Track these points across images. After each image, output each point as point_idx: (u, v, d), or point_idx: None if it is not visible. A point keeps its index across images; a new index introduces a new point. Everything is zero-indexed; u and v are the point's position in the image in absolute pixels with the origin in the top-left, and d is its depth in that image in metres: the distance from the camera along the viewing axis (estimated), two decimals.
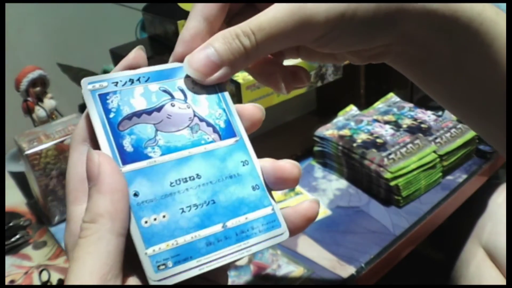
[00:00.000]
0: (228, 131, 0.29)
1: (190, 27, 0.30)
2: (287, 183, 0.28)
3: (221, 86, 0.30)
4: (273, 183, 0.28)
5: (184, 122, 0.28)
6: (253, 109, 0.30)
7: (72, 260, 0.23)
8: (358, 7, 0.28)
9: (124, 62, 0.29)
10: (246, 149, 0.29)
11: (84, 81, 0.27)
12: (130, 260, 0.24)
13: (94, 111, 0.26)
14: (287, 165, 0.28)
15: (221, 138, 0.28)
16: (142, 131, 0.27)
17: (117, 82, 0.28)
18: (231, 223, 0.26)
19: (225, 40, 0.28)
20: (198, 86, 0.29)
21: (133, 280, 0.24)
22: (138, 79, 0.28)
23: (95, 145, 0.26)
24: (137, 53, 0.29)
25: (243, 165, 0.28)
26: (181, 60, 0.29)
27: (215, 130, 0.28)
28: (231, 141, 0.28)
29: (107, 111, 0.27)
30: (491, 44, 0.31)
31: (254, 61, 0.30)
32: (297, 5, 0.27)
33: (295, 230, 0.28)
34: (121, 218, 0.23)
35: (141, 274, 0.24)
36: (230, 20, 0.33)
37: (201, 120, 0.28)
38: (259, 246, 0.26)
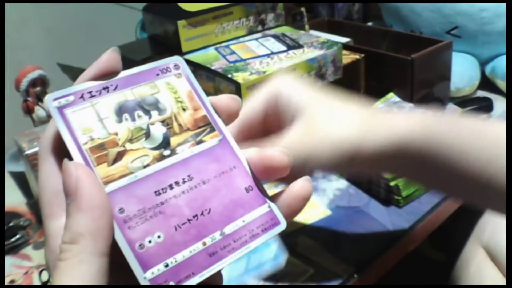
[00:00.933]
0: (209, 131, 0.27)
1: None
2: (277, 172, 0.27)
3: (193, 80, 0.29)
4: (263, 174, 0.27)
5: (162, 136, 0.26)
6: (228, 100, 0.28)
7: (54, 283, 0.21)
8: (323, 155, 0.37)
9: (96, 65, 0.27)
10: (230, 147, 0.27)
11: (48, 97, 0.25)
12: (118, 270, 0.23)
13: (64, 129, 0.25)
14: (276, 154, 0.26)
15: (202, 140, 0.27)
16: None
17: (82, 94, 0.26)
18: (228, 229, 0.25)
19: None
20: (171, 86, 0.28)
21: None
22: (106, 88, 0.26)
23: (63, 155, 0.25)
24: (111, 55, 0.27)
25: (231, 169, 0.27)
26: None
27: (196, 134, 0.27)
28: (214, 141, 0.27)
29: (77, 128, 0.25)
30: (440, 153, 0.35)
31: None
32: None
33: (292, 214, 0.27)
34: (104, 236, 0.22)
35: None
36: None
37: (181, 128, 0.27)
38: (257, 242, 0.26)
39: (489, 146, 0.33)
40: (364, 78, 0.79)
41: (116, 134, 0.26)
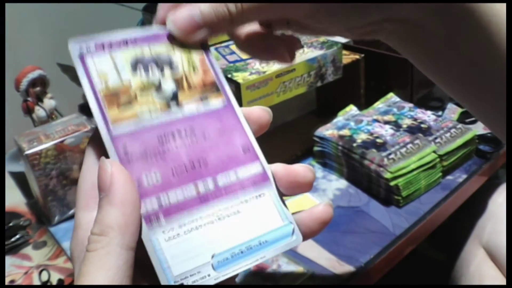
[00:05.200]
0: (215, 92, 0.29)
1: None
2: (301, 188, 0.28)
3: (205, 46, 0.30)
4: (286, 188, 0.27)
5: (171, 92, 0.28)
6: (260, 112, 0.30)
7: (81, 275, 0.22)
8: None
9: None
10: (235, 113, 0.29)
11: (72, 44, 0.28)
12: (140, 271, 0.24)
13: (84, 76, 0.27)
14: (300, 169, 0.27)
15: (207, 98, 0.29)
16: None
17: (103, 45, 0.28)
18: (248, 241, 0.26)
19: (212, 5, 0.29)
20: (187, 50, 0.30)
21: None
22: (126, 42, 0.28)
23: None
24: None
25: (259, 196, 0.27)
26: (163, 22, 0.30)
27: (203, 93, 0.29)
28: (219, 103, 0.29)
29: (95, 76, 0.27)
30: (487, 26, 0.30)
31: (237, 26, 0.31)
32: None
33: (309, 234, 0.27)
34: (131, 231, 0.23)
35: (152, 282, 0.24)
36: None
37: (190, 87, 0.29)
38: (271, 253, 0.26)
39: None
40: (364, 78, 0.79)
41: (129, 83, 0.28)
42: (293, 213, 0.28)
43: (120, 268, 0.22)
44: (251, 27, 0.34)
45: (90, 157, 0.27)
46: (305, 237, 0.27)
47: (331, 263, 0.58)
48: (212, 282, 0.24)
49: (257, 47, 0.34)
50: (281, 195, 0.28)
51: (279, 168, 0.28)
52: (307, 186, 0.27)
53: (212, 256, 0.25)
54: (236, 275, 0.27)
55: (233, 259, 0.25)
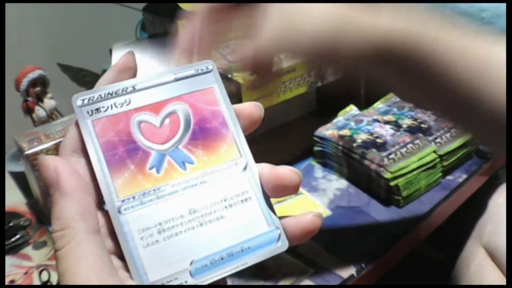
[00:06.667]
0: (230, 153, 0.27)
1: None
2: (287, 191, 0.27)
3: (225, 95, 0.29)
4: (272, 191, 0.27)
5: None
6: (252, 108, 0.29)
7: (61, 274, 0.22)
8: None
9: (114, 67, 0.28)
10: (251, 176, 0.27)
11: (74, 97, 0.26)
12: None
13: (87, 133, 0.25)
14: (287, 172, 0.27)
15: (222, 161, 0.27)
16: None
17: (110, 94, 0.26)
18: (230, 247, 0.25)
19: None
20: (198, 107, 0.28)
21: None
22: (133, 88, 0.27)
23: (85, 156, 0.25)
24: (127, 57, 0.28)
25: (245, 200, 0.27)
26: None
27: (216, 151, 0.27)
28: (233, 165, 0.27)
29: (99, 133, 0.25)
30: (425, 64, 0.34)
31: None
32: None
33: (293, 242, 0.27)
34: (91, 215, 0.23)
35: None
36: None
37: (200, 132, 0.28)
38: (255, 259, 0.26)
39: (476, 70, 0.33)
40: (364, 78, 0.79)
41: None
42: (280, 217, 0.27)
43: (96, 253, 0.22)
44: None
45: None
46: (290, 243, 0.27)
47: (331, 263, 0.58)
48: None
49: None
50: (268, 198, 0.27)
51: (265, 170, 0.27)
52: (293, 189, 0.27)
53: (191, 263, 0.24)
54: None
55: (213, 266, 0.25)
